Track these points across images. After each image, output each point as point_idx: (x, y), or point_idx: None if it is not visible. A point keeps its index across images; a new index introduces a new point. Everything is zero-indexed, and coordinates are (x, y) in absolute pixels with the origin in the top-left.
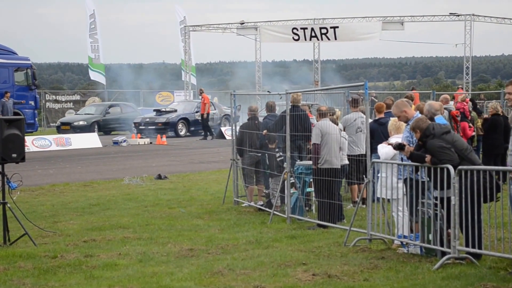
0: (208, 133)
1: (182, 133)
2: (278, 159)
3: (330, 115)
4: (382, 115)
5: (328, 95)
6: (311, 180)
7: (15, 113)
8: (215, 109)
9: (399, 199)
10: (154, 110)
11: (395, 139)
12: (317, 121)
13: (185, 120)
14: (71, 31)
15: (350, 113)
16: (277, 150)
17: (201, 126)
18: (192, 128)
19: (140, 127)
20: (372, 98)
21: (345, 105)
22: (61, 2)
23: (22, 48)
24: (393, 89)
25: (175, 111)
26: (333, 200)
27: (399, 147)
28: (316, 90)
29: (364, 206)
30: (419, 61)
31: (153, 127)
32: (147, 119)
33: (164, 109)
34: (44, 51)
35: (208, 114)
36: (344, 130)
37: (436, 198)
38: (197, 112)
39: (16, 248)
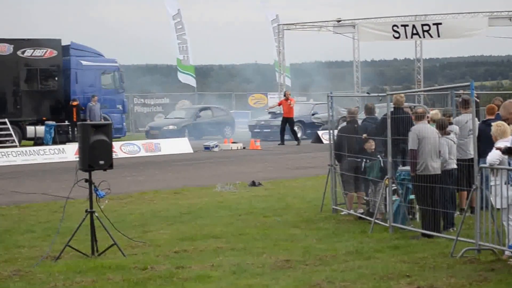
0: (295, 138)
1: (299, 135)
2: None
3: (447, 116)
4: (493, 117)
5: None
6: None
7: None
8: (332, 112)
9: (510, 206)
10: (269, 113)
11: (503, 143)
12: (414, 124)
13: (301, 123)
14: (158, 32)
15: (461, 115)
16: (378, 156)
17: (310, 129)
18: (308, 131)
19: (255, 130)
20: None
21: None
22: (144, 1)
23: (108, 50)
24: (501, 88)
25: None
26: (436, 207)
27: (508, 151)
28: (419, 91)
29: (473, 214)
30: None
31: (269, 130)
32: (262, 122)
33: (279, 112)
34: (130, 53)
35: (293, 118)
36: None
37: None
38: (313, 114)
39: (105, 259)
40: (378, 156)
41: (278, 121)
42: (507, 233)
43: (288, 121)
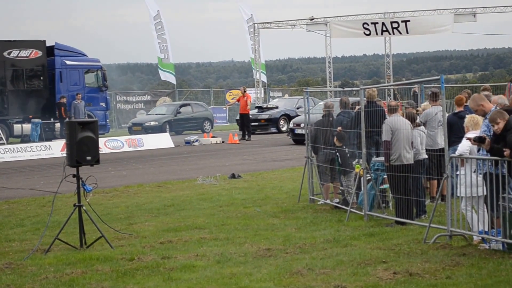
0: (247, 134)
1: (284, 129)
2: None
3: (414, 108)
4: (462, 109)
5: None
6: (385, 176)
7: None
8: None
9: (479, 196)
10: (256, 107)
11: (472, 134)
12: (388, 116)
13: (287, 116)
14: (139, 32)
15: (431, 107)
16: (344, 147)
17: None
18: None
19: None
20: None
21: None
22: (126, 3)
23: (92, 50)
24: (465, 81)
25: (277, 107)
26: (409, 196)
27: (479, 140)
28: (391, 85)
29: (444, 202)
30: (491, 53)
31: (256, 123)
32: (250, 116)
33: (265, 106)
34: (113, 52)
35: (248, 113)
36: (425, 125)
37: None
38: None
39: (93, 251)
40: (336, 151)
41: (264, 115)
42: (471, 220)
43: (243, 117)
